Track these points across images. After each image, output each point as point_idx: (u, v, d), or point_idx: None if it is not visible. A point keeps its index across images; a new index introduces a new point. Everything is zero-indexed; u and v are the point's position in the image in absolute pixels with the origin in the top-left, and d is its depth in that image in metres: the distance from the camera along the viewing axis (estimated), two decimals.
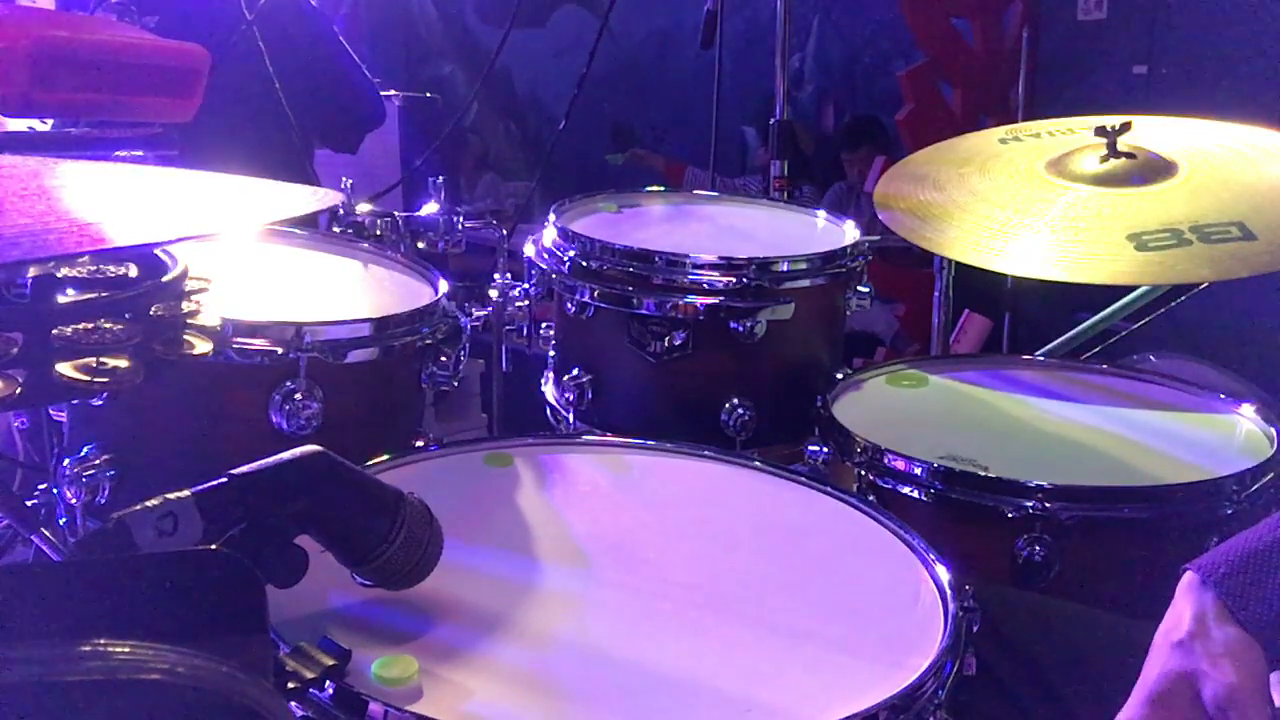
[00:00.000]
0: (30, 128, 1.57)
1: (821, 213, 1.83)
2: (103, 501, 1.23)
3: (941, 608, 0.94)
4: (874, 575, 1.03)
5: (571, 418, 1.55)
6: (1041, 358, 1.72)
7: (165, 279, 0.78)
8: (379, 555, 0.84)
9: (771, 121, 2.47)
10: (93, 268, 0.76)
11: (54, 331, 0.68)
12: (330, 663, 0.78)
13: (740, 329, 1.45)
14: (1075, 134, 1.71)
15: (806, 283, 1.51)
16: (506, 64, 7.02)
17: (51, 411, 1.43)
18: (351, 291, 1.50)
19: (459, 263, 1.86)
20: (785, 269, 1.49)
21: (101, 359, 0.70)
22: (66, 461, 1.23)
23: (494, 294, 1.70)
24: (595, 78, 2.59)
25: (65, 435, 1.34)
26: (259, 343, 1.21)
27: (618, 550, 1.04)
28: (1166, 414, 1.48)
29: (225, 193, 0.85)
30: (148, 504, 0.73)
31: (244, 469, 0.79)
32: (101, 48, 1.49)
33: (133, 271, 0.79)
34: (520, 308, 1.69)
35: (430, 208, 1.74)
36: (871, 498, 1.23)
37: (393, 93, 3.80)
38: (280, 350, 1.21)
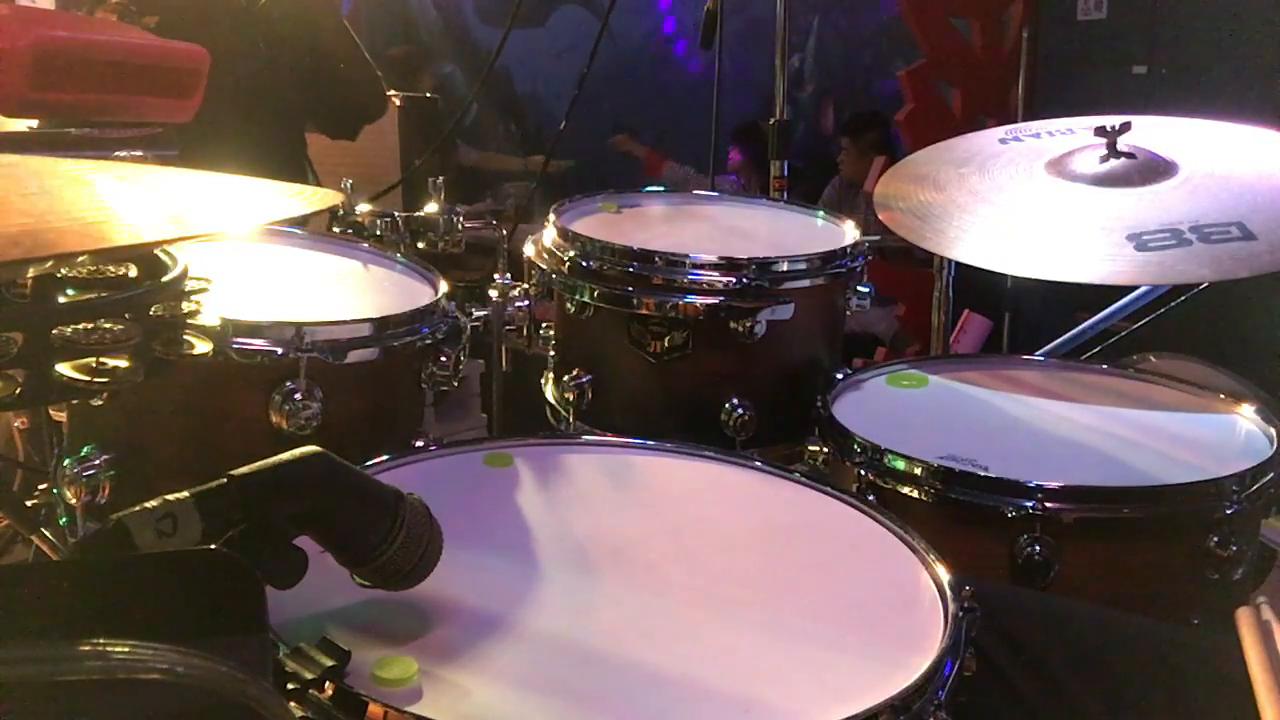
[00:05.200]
0: (30, 128, 1.57)
1: (821, 213, 1.83)
2: (103, 501, 1.23)
3: (941, 608, 0.94)
4: (874, 575, 1.03)
5: (571, 418, 1.55)
6: (1041, 358, 1.72)
7: (165, 279, 0.78)
8: (379, 556, 0.84)
9: (771, 121, 2.47)
10: (93, 268, 0.76)
11: (54, 331, 0.68)
12: (330, 663, 0.78)
13: (740, 329, 1.45)
14: (1075, 134, 1.71)
15: (806, 283, 1.51)
16: (506, 64, 7.02)
17: (51, 411, 1.43)
18: (351, 291, 1.50)
19: (458, 263, 1.86)
20: (785, 269, 1.49)
21: (101, 359, 0.70)
22: (66, 461, 1.23)
23: (494, 294, 1.70)
24: (595, 78, 2.59)
25: (65, 435, 1.34)
26: (259, 343, 1.21)
27: (618, 550, 1.04)
28: (1166, 414, 1.48)
29: (225, 193, 0.85)
30: (147, 505, 0.73)
31: (244, 469, 0.79)
32: (101, 48, 1.49)
33: (133, 271, 0.79)
34: (520, 308, 1.69)
35: (430, 208, 1.74)
36: (871, 498, 1.23)
37: (393, 93, 3.80)
38: (280, 350, 1.21)
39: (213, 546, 0.74)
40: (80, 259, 0.71)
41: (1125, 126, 1.59)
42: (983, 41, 4.59)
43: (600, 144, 6.34)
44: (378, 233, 1.68)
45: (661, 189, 1.91)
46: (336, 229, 1.69)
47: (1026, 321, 3.80)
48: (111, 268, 0.78)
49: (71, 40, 1.44)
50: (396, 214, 1.71)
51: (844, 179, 5.05)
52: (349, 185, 1.73)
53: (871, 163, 4.81)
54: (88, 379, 0.69)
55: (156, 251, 0.82)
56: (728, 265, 1.46)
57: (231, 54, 2.26)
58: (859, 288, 1.60)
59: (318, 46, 2.57)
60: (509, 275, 1.74)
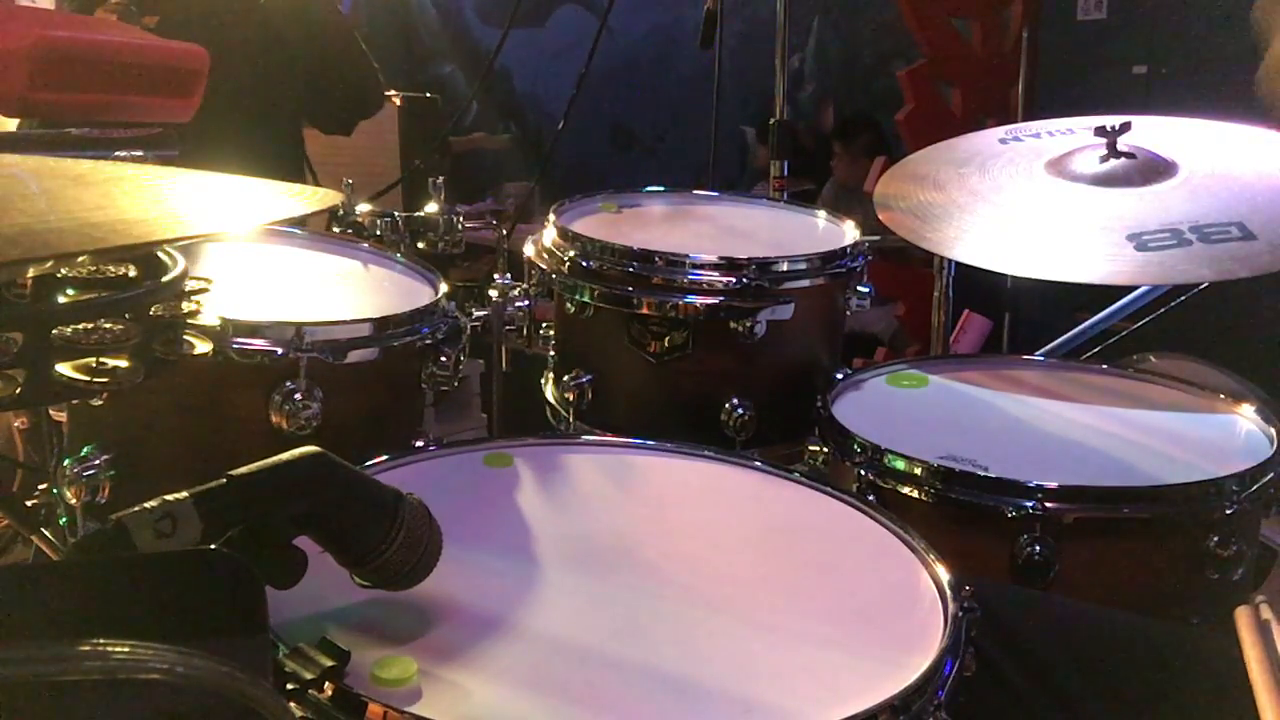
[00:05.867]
0: (30, 127, 1.57)
1: (821, 213, 1.83)
2: (103, 501, 1.23)
3: (941, 608, 0.94)
4: (874, 575, 1.03)
5: (571, 418, 1.55)
6: (1041, 358, 1.72)
7: (165, 279, 0.78)
8: (378, 556, 0.84)
9: (771, 121, 2.47)
10: (93, 268, 0.76)
11: (54, 331, 0.68)
12: (329, 663, 0.78)
13: (740, 329, 1.45)
14: (1075, 134, 1.71)
15: (806, 283, 1.51)
16: (506, 64, 7.02)
17: (51, 411, 1.43)
18: (351, 291, 1.50)
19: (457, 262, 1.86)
20: (785, 269, 1.49)
21: (101, 359, 0.70)
22: (66, 461, 1.23)
23: (494, 294, 1.70)
24: (595, 78, 2.59)
25: (65, 435, 1.34)
26: (259, 343, 1.21)
27: (617, 550, 1.04)
28: (1166, 414, 1.48)
29: (225, 193, 0.85)
30: (146, 505, 0.73)
31: (243, 470, 0.79)
32: (101, 48, 1.49)
33: (133, 271, 0.79)
34: (520, 308, 1.69)
35: (430, 208, 1.74)
36: (871, 498, 1.23)
37: (393, 93, 3.80)
38: (280, 350, 1.21)
39: (212, 546, 0.74)
40: (80, 259, 0.71)
41: (1125, 126, 1.59)
42: (983, 41, 4.59)
43: (600, 145, 6.34)
44: (378, 233, 1.68)
45: (661, 189, 1.91)
46: (336, 229, 1.69)
47: (1026, 321, 3.80)
48: (111, 268, 0.78)
49: (71, 40, 1.44)
50: (396, 214, 1.71)
51: (837, 182, 5.05)
52: (349, 185, 1.73)
53: (864, 165, 4.81)
54: (88, 379, 0.69)
55: (156, 251, 0.82)
56: (728, 265, 1.46)
57: (231, 54, 2.26)
58: (859, 288, 1.60)
59: (317, 42, 2.56)
60: (509, 275, 1.74)
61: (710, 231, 1.77)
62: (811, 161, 5.09)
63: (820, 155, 5.43)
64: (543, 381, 1.69)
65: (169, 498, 0.74)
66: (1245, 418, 1.45)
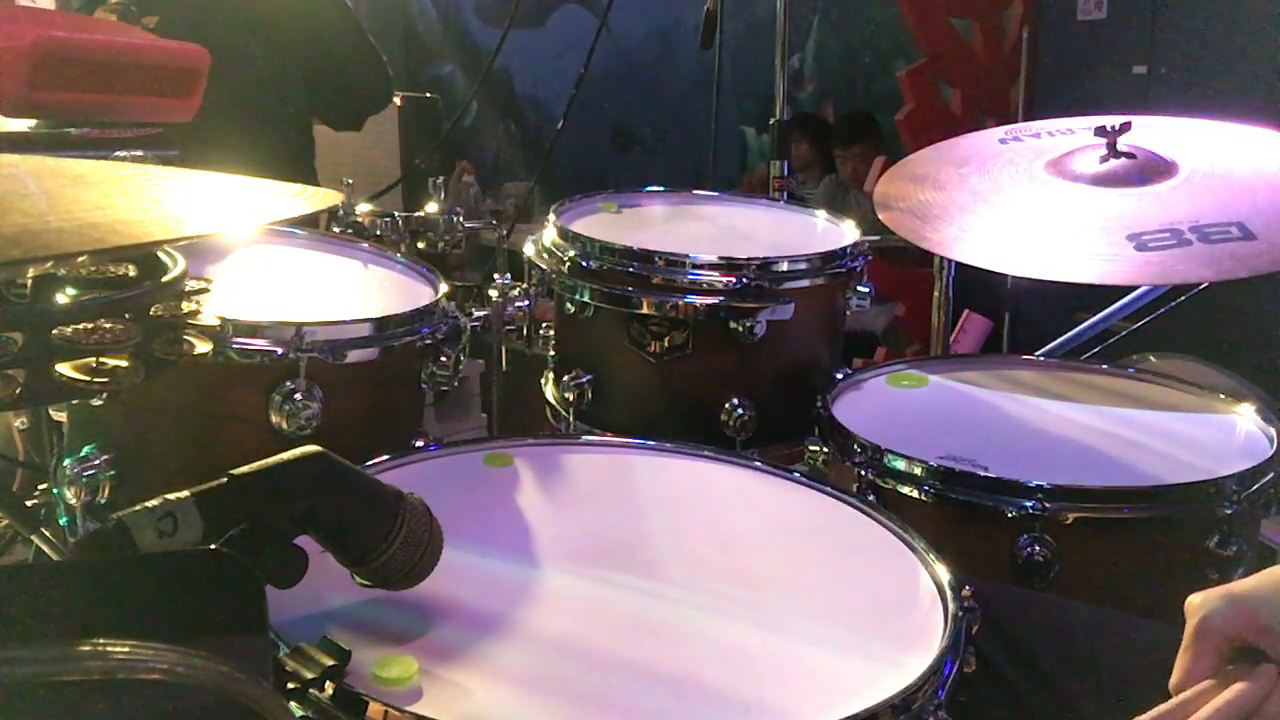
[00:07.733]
0: (30, 127, 1.57)
1: (821, 212, 1.83)
2: (103, 501, 1.23)
3: (941, 608, 0.94)
4: (874, 575, 1.03)
5: (571, 418, 1.55)
6: (1041, 358, 1.72)
7: (165, 279, 0.78)
8: (379, 555, 0.84)
9: (771, 121, 2.47)
10: (93, 268, 0.76)
11: (54, 331, 0.68)
12: (330, 663, 0.78)
13: (740, 329, 1.45)
14: (1075, 134, 1.71)
15: (806, 283, 1.51)
16: (506, 64, 7.02)
17: (51, 411, 1.43)
18: (351, 291, 1.50)
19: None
20: (785, 269, 1.49)
21: (101, 359, 0.70)
22: (66, 461, 1.23)
23: (494, 294, 1.70)
24: (595, 78, 2.59)
25: (65, 435, 1.34)
26: (259, 343, 1.21)
27: (617, 550, 1.04)
28: (1166, 414, 1.48)
29: (225, 193, 0.85)
30: (147, 504, 0.73)
31: (244, 469, 0.79)
32: (101, 48, 1.49)
33: (133, 271, 0.79)
34: (520, 308, 1.69)
35: (430, 208, 1.74)
36: (871, 498, 1.23)
37: None
38: (280, 350, 1.21)
39: (213, 546, 0.74)
40: (80, 259, 0.71)
41: (1125, 126, 1.59)
42: (983, 41, 4.60)
43: (600, 145, 6.34)
44: (378, 233, 1.68)
45: (661, 189, 1.91)
46: (336, 229, 1.69)
47: (1026, 321, 3.80)
48: (111, 268, 0.78)
49: (71, 40, 1.44)
50: (396, 214, 1.71)
51: (839, 179, 5.04)
52: (349, 185, 1.73)
53: (862, 166, 4.80)
54: (88, 379, 0.69)
55: (156, 251, 0.82)
56: (728, 265, 1.46)
57: (233, 54, 2.26)
58: (859, 288, 1.60)
59: (322, 38, 2.56)
60: (509, 275, 1.74)
61: (710, 231, 1.77)
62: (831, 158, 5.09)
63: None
64: (543, 381, 1.69)
65: (170, 497, 0.74)
66: (1245, 418, 1.45)
